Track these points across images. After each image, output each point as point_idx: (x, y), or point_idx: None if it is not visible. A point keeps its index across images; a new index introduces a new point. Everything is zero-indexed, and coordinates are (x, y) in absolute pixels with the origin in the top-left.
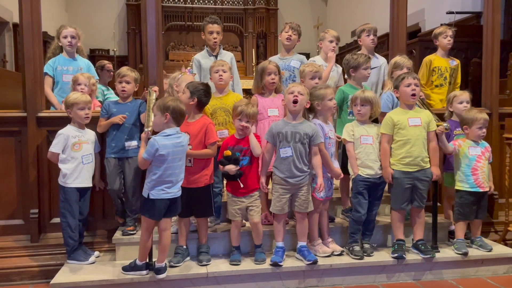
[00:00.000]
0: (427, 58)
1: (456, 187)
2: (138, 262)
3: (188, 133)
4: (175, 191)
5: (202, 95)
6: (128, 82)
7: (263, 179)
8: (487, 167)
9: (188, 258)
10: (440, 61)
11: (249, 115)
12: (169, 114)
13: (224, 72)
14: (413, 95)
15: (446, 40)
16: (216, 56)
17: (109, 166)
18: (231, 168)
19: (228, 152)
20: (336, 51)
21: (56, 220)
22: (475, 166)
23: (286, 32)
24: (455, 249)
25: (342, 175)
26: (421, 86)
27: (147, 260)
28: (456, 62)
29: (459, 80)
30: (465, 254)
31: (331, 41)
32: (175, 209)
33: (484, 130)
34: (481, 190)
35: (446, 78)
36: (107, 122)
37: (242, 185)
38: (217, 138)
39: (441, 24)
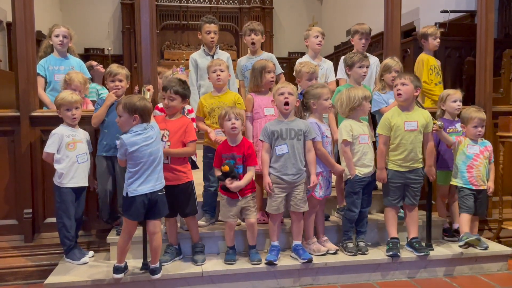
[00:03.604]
0: (424, 57)
1: (452, 183)
2: (115, 264)
3: (167, 130)
4: (154, 184)
5: (177, 87)
6: (120, 80)
7: (268, 179)
8: (485, 166)
9: (181, 257)
10: (433, 60)
11: (235, 113)
12: (138, 115)
13: (222, 71)
14: (399, 94)
15: (435, 41)
16: (212, 56)
17: (100, 165)
18: (227, 184)
19: (226, 168)
20: (330, 51)
21: (50, 220)
22: (471, 164)
23: (249, 36)
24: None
25: (344, 171)
26: (425, 84)
27: (124, 263)
28: (439, 61)
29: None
30: (486, 248)
31: (316, 36)
32: (158, 210)
33: (480, 129)
34: (474, 187)
35: (441, 76)
36: (102, 107)
37: (240, 197)
38: (196, 137)
39: (435, 23)
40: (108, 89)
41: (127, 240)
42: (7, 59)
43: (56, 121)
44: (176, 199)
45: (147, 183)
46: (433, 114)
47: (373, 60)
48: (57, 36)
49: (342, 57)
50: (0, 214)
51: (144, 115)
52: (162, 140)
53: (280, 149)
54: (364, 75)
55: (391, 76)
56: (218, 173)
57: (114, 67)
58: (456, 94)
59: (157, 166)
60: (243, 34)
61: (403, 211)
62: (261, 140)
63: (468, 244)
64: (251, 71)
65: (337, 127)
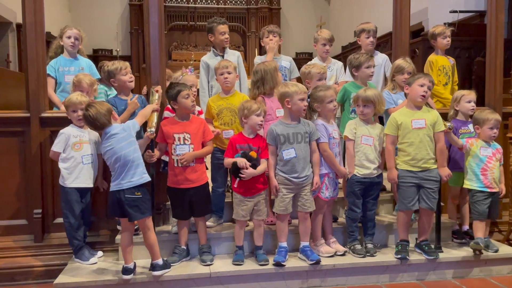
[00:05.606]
0: (432, 58)
1: (466, 186)
2: (123, 265)
3: (187, 133)
4: (118, 182)
5: (169, 94)
6: (130, 72)
7: (275, 182)
8: (498, 168)
9: (189, 258)
10: (443, 60)
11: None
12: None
13: (229, 73)
14: (423, 96)
15: (445, 40)
16: (223, 56)
17: None
18: (246, 167)
19: (254, 154)
20: (338, 51)
21: (60, 220)
22: (485, 167)
23: (267, 37)
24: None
25: (348, 174)
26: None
27: (133, 263)
28: (452, 60)
29: (456, 78)
30: (496, 251)
31: (323, 44)
32: (127, 212)
33: (496, 130)
34: (489, 190)
35: (450, 76)
36: (125, 114)
37: (236, 185)
38: (213, 135)
39: (445, 23)
40: (114, 87)
41: (125, 237)
42: (17, 60)
43: (66, 121)
44: (197, 200)
45: (113, 180)
46: (443, 115)
47: (382, 57)
48: (68, 37)
49: (348, 58)
50: (10, 214)
51: (98, 126)
52: (184, 143)
53: (287, 153)
54: (372, 75)
55: (403, 77)
56: (229, 160)
57: (120, 63)
58: (471, 95)
59: (124, 165)
60: (260, 36)
61: (414, 214)
62: (267, 143)
63: (476, 250)
64: (261, 75)
65: (339, 127)
